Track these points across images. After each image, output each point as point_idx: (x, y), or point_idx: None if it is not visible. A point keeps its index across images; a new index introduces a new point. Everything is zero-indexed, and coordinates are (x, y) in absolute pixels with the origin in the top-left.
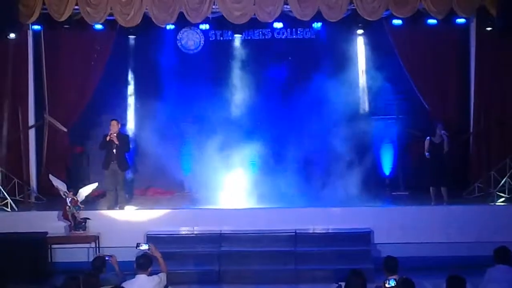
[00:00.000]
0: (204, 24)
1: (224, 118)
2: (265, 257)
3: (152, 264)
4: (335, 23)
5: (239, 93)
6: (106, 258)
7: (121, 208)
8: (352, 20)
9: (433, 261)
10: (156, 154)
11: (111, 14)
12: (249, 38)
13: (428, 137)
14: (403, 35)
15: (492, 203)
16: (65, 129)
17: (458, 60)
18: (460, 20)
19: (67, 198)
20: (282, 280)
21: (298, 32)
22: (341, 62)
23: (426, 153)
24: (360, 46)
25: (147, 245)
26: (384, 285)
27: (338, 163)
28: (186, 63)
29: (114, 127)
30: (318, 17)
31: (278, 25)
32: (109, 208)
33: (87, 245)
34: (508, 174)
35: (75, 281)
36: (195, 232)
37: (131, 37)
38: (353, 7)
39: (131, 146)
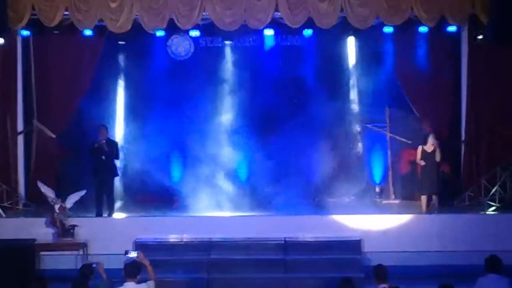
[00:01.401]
0: (194, 31)
1: (214, 125)
2: (254, 265)
3: (141, 272)
4: (325, 30)
5: (229, 99)
6: (93, 266)
7: (110, 215)
8: (343, 28)
9: (423, 270)
10: (145, 160)
11: (101, 20)
12: (240, 45)
13: (420, 145)
14: (394, 42)
15: (482, 212)
16: (53, 135)
17: (449, 68)
18: (451, 28)
19: (55, 205)
20: None
21: (288, 39)
22: (331, 69)
23: (421, 161)
24: (350, 53)
25: (136, 252)
26: None
27: (328, 171)
28: (176, 70)
29: (103, 134)
30: (309, 24)
31: (268, 32)
32: (97, 215)
33: (75, 252)
34: (498, 183)
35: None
36: (184, 240)
37: (121, 43)
38: (344, 15)
39: (120, 153)
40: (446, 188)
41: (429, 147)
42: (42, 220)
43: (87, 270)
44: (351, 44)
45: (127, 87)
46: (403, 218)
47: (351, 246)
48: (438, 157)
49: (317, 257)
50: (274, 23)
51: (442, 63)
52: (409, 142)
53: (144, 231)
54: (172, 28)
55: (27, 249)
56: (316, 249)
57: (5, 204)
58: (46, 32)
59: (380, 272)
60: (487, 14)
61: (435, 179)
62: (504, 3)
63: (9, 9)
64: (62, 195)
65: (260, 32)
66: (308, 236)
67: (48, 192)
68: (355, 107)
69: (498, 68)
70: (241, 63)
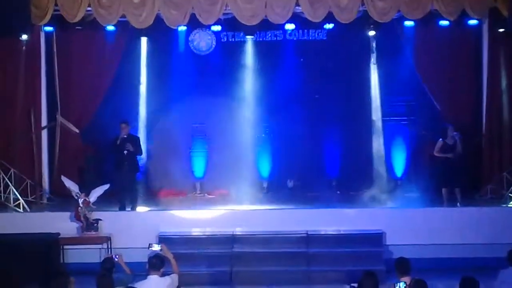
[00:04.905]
0: (216, 26)
1: (236, 119)
2: (277, 258)
3: (164, 265)
4: (346, 25)
5: (251, 94)
6: (115, 259)
7: (133, 209)
8: (363, 22)
9: (446, 263)
10: (168, 155)
11: (123, 16)
12: (261, 39)
13: (440, 139)
14: (415, 36)
15: (504, 205)
16: (77, 130)
17: (470, 61)
18: (472, 22)
19: (79, 199)
20: (294, 281)
21: (310, 33)
22: (352, 63)
23: (448, 154)
24: (371, 47)
25: (159, 245)
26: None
27: (349, 164)
28: (197, 64)
29: (124, 129)
30: (329, 18)
31: (290, 26)
32: (120, 209)
33: (99, 246)
34: None
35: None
36: (207, 233)
37: (143, 38)
38: (365, 9)
39: (142, 148)
40: (468, 181)
41: (450, 140)
42: (66, 214)
43: (109, 264)
44: (372, 38)
45: (149, 82)
46: (425, 211)
47: (373, 239)
48: (460, 149)
49: (339, 250)
50: (295, 18)
51: (463, 57)
52: (430, 134)
53: (167, 225)
54: (194, 23)
55: (51, 243)
56: (338, 242)
57: (30, 199)
58: (69, 28)
59: (402, 265)
60: (508, 7)
61: (458, 172)
62: None
63: (32, 5)
64: (85, 189)
65: (282, 26)
66: (330, 229)
67: (72, 186)
68: (376, 100)
69: None
70: (262, 58)
